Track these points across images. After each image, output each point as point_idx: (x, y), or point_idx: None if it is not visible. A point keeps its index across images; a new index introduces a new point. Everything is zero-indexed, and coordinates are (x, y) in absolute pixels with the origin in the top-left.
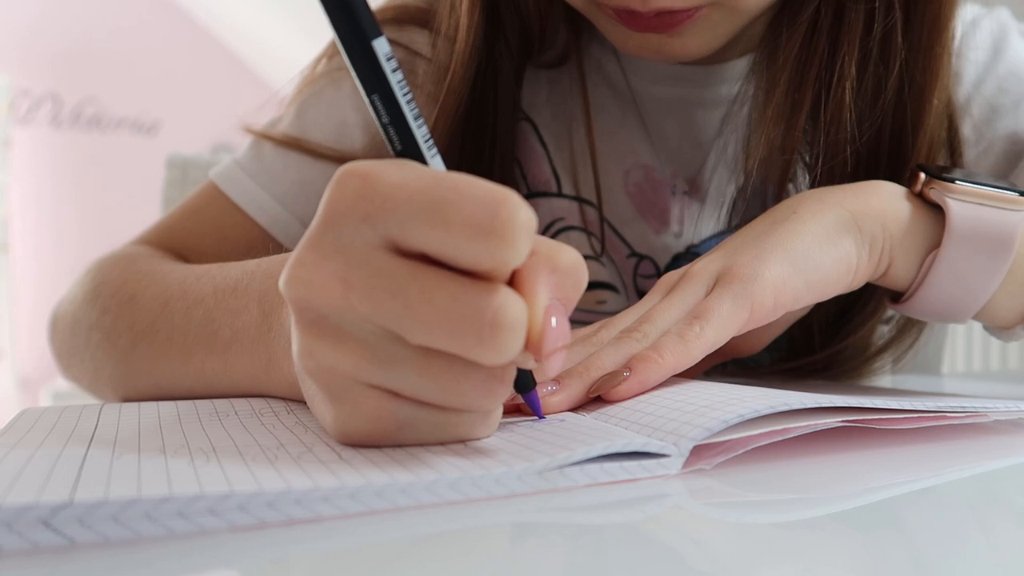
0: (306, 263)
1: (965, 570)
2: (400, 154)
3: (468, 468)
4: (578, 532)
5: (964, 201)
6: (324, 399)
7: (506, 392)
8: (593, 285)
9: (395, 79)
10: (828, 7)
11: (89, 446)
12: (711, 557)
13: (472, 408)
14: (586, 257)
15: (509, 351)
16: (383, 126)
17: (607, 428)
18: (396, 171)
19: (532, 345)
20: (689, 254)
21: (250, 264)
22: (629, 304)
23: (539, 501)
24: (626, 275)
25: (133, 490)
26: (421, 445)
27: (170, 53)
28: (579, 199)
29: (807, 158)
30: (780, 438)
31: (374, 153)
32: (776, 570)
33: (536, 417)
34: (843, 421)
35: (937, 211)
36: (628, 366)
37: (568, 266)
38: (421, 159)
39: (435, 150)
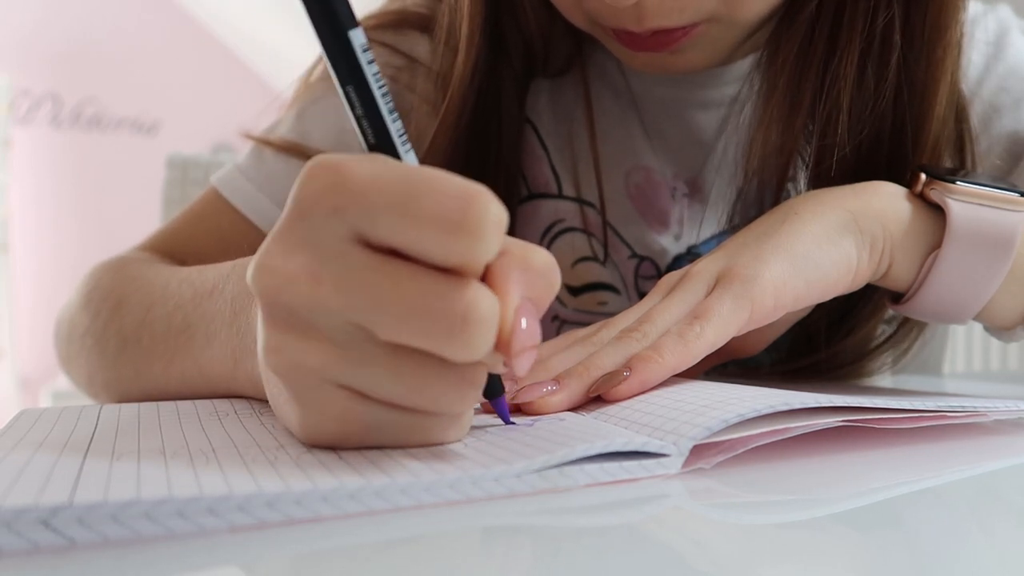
0: (274, 255)
1: (965, 570)
2: (373, 148)
3: (468, 467)
4: (579, 533)
5: (965, 202)
6: (289, 399)
7: (477, 395)
8: (594, 286)
9: (370, 71)
10: (827, 7)
11: (88, 447)
12: (711, 558)
13: (442, 411)
14: (587, 258)
15: (480, 346)
16: (356, 118)
17: (607, 428)
18: (367, 164)
19: (501, 343)
20: (690, 255)
21: (226, 267)
22: (630, 305)
23: (539, 501)
24: (627, 276)
25: (132, 491)
26: (389, 448)
27: (170, 53)
28: (580, 200)
29: (807, 159)
30: (780, 437)
31: None
32: (776, 570)
33: (508, 423)
34: (843, 421)
35: (938, 212)
36: (628, 366)
37: (540, 266)
38: (394, 153)
39: (409, 145)
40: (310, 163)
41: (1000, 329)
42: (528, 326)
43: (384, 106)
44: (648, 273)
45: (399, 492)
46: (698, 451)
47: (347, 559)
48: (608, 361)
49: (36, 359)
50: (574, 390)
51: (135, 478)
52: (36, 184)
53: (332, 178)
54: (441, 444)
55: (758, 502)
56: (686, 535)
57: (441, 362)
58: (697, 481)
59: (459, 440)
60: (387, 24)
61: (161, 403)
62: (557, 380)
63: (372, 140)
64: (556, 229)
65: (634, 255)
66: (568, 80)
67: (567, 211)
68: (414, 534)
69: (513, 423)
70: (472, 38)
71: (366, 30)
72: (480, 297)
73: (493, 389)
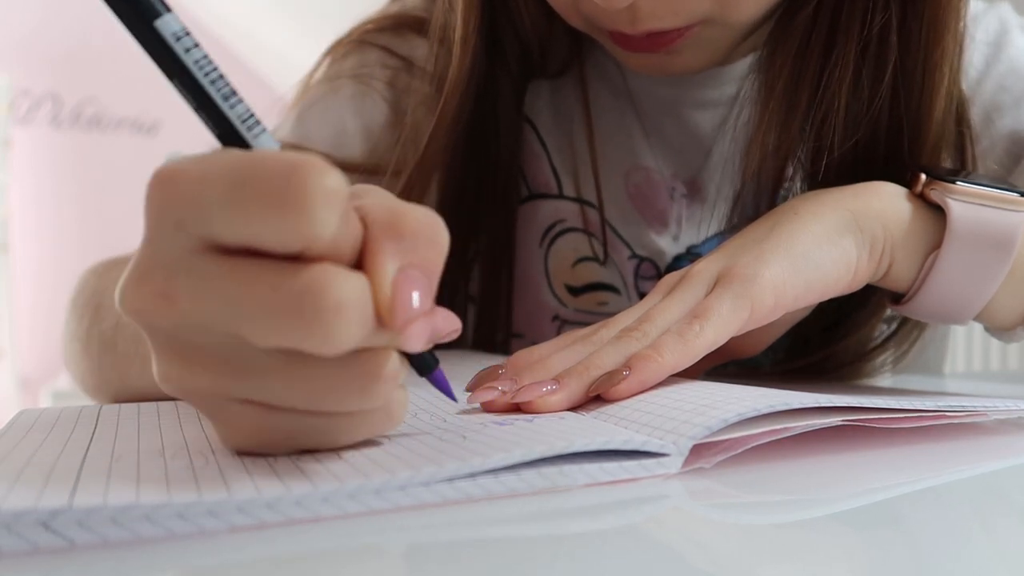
0: (130, 282)
1: (965, 570)
2: (220, 138)
3: (467, 457)
4: (578, 533)
5: (965, 202)
6: (206, 419)
7: (385, 387)
8: (595, 286)
9: (191, 59)
10: (824, 9)
11: (88, 447)
12: (712, 558)
13: (351, 410)
14: (587, 258)
15: (343, 334)
16: (195, 111)
17: (607, 427)
18: (198, 166)
19: (383, 321)
20: (690, 255)
21: None
22: (630, 305)
23: (539, 502)
24: (627, 276)
25: (132, 493)
26: (322, 450)
27: None
28: (580, 200)
29: (804, 160)
30: (780, 437)
31: (375, 160)
32: (776, 570)
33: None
34: (843, 421)
35: (938, 212)
36: (628, 365)
37: (414, 229)
38: (242, 141)
39: (260, 127)
40: (150, 179)
41: (1000, 329)
42: (417, 296)
43: (216, 93)
44: (648, 273)
45: (398, 490)
46: (698, 451)
47: (347, 559)
48: (608, 360)
49: (36, 359)
50: (574, 389)
51: (134, 480)
52: (36, 184)
53: (166, 191)
54: (377, 436)
55: (758, 502)
56: (686, 535)
57: (330, 360)
58: (697, 481)
59: (394, 428)
60: (385, 27)
61: (160, 403)
62: (557, 379)
63: (216, 131)
64: (557, 229)
65: (634, 255)
66: (568, 80)
67: (567, 211)
68: (413, 534)
69: (455, 399)
70: (467, 40)
71: (365, 34)
72: (330, 281)
73: (425, 365)
